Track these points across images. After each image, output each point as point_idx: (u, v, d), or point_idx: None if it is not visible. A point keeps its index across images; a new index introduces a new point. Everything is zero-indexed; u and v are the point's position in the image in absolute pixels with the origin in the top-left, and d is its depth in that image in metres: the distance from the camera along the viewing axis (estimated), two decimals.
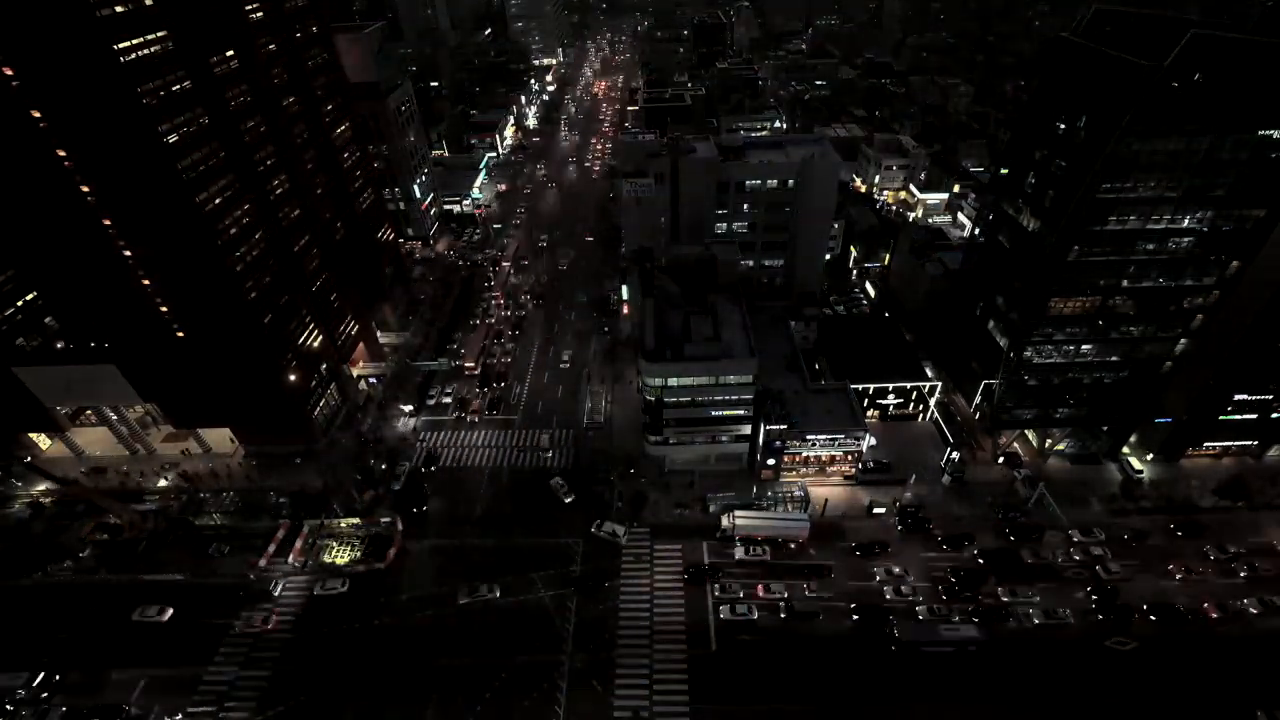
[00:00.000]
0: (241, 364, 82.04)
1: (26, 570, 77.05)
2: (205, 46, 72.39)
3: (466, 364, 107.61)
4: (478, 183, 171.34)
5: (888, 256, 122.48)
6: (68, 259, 73.40)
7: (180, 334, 78.66)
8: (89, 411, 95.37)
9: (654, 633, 70.05)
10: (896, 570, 75.22)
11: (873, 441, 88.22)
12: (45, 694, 64.92)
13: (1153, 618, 69.56)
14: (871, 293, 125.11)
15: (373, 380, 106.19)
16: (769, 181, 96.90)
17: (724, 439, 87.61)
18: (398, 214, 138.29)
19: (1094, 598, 71.53)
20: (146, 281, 74.48)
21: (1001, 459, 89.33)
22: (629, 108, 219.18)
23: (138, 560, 78.36)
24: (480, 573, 75.82)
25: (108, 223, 69.97)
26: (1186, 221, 70.07)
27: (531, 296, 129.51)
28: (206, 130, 71.58)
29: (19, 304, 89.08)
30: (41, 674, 65.68)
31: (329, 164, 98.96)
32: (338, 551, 78.63)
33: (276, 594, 74.11)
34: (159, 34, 65.11)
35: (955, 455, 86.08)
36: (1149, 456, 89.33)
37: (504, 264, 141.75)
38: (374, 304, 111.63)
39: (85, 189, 67.37)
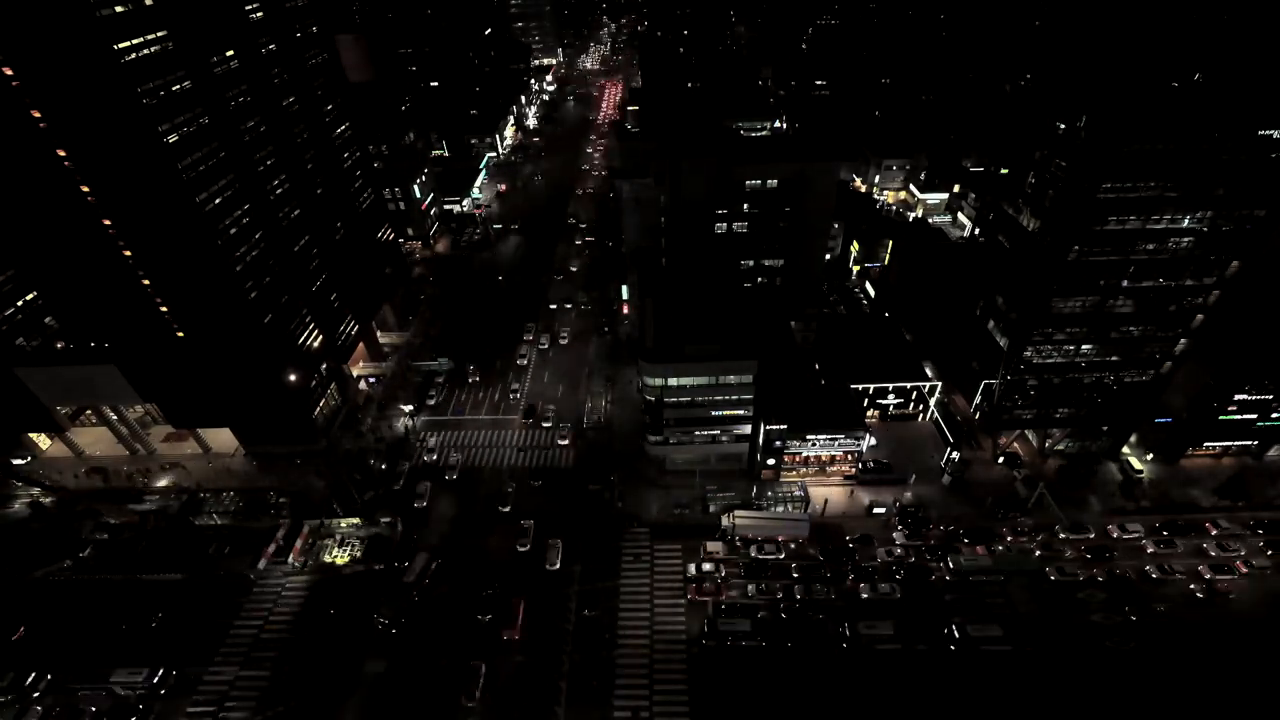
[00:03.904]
0: (241, 364, 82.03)
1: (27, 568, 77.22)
2: (205, 46, 72.42)
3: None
4: (478, 183, 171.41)
5: (887, 256, 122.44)
6: (68, 259, 73.42)
7: (180, 334, 78.64)
8: (89, 411, 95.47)
9: (654, 632, 70.18)
10: None
11: (873, 441, 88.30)
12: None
13: None
14: (871, 293, 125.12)
15: (372, 380, 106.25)
16: (769, 182, 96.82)
17: (724, 439, 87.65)
18: (398, 214, 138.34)
19: None
20: (146, 281, 74.49)
21: (1001, 459, 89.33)
22: (629, 107, 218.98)
23: (138, 560, 78.42)
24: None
25: (108, 223, 69.98)
26: (1186, 221, 70.13)
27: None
28: (206, 130, 71.60)
29: (19, 304, 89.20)
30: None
31: (329, 164, 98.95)
32: (337, 551, 78.69)
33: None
34: (159, 34, 65.15)
35: (955, 455, 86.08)
36: (1149, 456, 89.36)
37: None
38: (374, 304, 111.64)
39: (85, 189, 67.37)
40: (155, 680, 65.89)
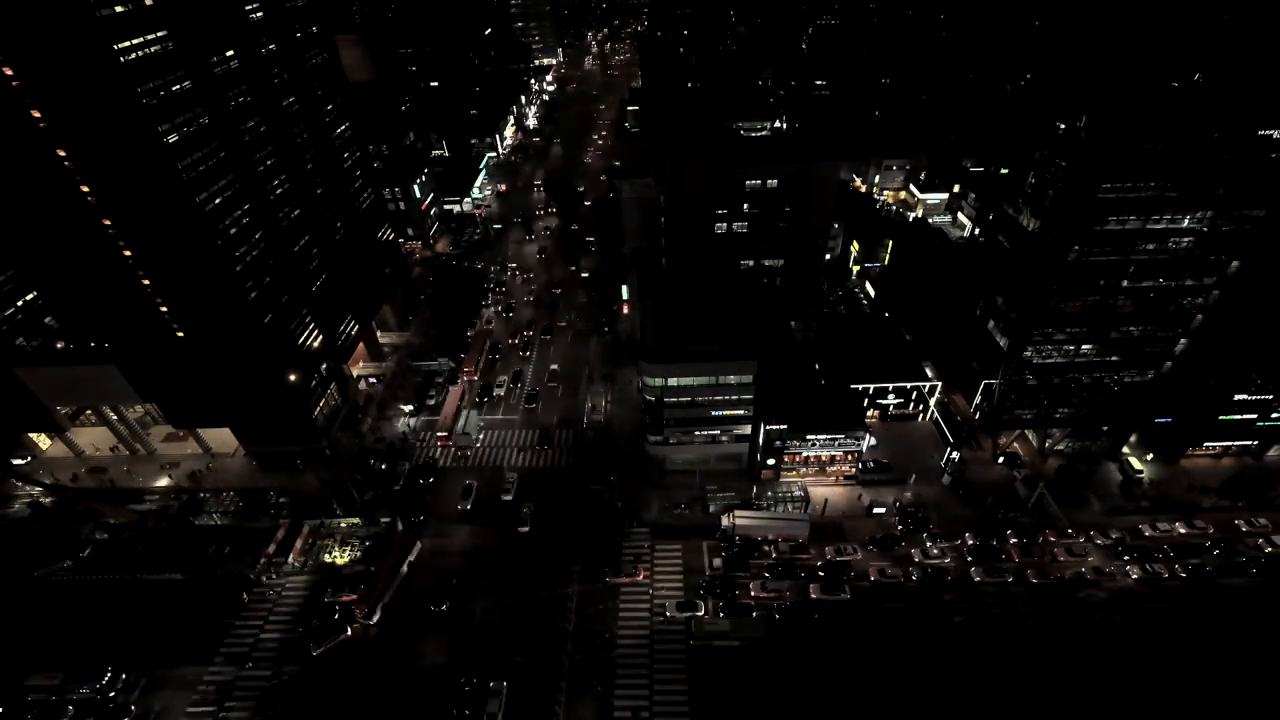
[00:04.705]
0: (241, 364, 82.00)
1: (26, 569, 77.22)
2: (205, 46, 72.40)
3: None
4: (478, 183, 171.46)
5: (887, 256, 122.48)
6: (68, 259, 73.38)
7: (180, 334, 78.62)
8: (89, 411, 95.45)
9: (654, 631, 70.19)
10: None
11: (873, 441, 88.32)
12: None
13: None
14: (872, 292, 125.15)
15: (373, 380, 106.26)
16: (769, 182, 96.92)
17: (724, 439, 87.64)
18: (398, 214, 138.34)
19: None
20: (146, 281, 74.49)
21: (1001, 459, 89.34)
22: (629, 107, 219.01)
23: (138, 560, 78.43)
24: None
25: (108, 223, 69.96)
26: (1186, 221, 70.15)
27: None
28: (206, 130, 71.58)
29: (19, 304, 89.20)
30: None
31: (329, 164, 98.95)
32: (337, 551, 78.68)
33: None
34: (159, 34, 65.11)
35: (955, 455, 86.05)
36: (1149, 456, 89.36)
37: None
38: (374, 304, 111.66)
39: (85, 189, 67.37)
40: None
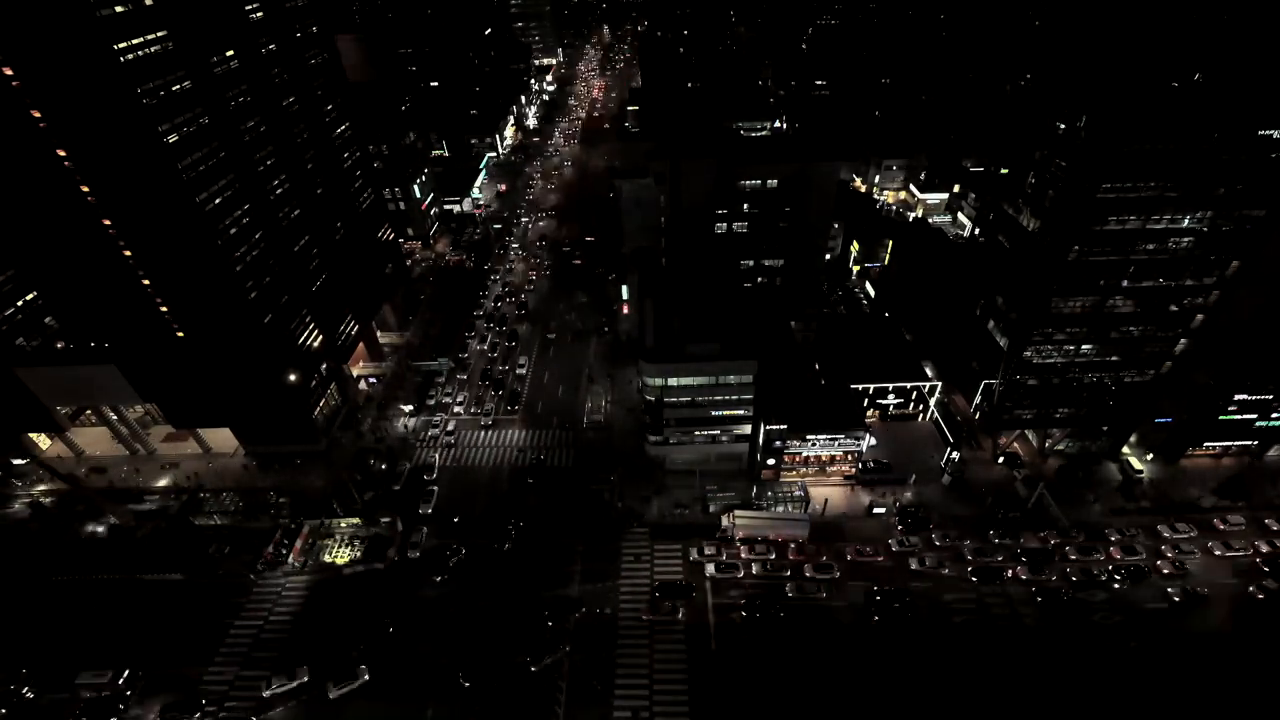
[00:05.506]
0: (241, 364, 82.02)
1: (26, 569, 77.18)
2: (205, 46, 72.42)
3: None
4: (478, 183, 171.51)
5: (887, 256, 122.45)
6: (68, 259, 73.40)
7: (180, 334, 78.64)
8: (89, 411, 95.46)
9: (653, 631, 70.11)
10: None
11: (873, 441, 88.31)
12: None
13: None
14: (872, 292, 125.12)
15: (373, 380, 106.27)
16: (769, 182, 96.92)
17: (724, 439, 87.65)
18: (398, 214, 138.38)
19: None
20: (146, 282, 74.50)
21: (1001, 459, 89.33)
22: (629, 107, 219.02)
23: (138, 560, 78.38)
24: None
25: (108, 223, 69.98)
26: (1186, 221, 70.14)
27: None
28: (206, 130, 71.60)
29: (19, 304, 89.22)
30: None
31: (329, 164, 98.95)
32: (338, 551, 78.70)
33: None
34: (159, 34, 65.16)
35: (955, 455, 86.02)
36: (1149, 456, 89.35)
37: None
38: (374, 304, 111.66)
39: (85, 189, 67.38)
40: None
